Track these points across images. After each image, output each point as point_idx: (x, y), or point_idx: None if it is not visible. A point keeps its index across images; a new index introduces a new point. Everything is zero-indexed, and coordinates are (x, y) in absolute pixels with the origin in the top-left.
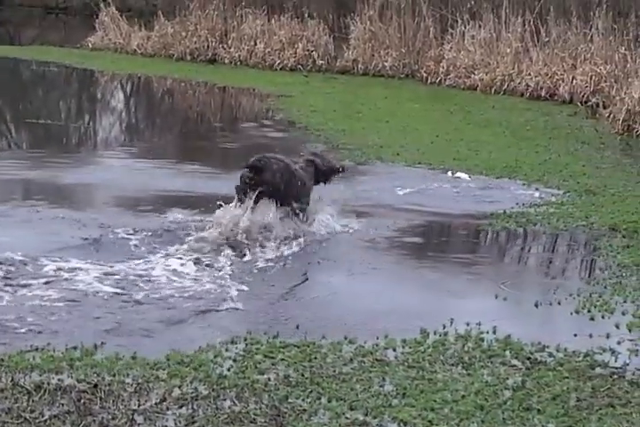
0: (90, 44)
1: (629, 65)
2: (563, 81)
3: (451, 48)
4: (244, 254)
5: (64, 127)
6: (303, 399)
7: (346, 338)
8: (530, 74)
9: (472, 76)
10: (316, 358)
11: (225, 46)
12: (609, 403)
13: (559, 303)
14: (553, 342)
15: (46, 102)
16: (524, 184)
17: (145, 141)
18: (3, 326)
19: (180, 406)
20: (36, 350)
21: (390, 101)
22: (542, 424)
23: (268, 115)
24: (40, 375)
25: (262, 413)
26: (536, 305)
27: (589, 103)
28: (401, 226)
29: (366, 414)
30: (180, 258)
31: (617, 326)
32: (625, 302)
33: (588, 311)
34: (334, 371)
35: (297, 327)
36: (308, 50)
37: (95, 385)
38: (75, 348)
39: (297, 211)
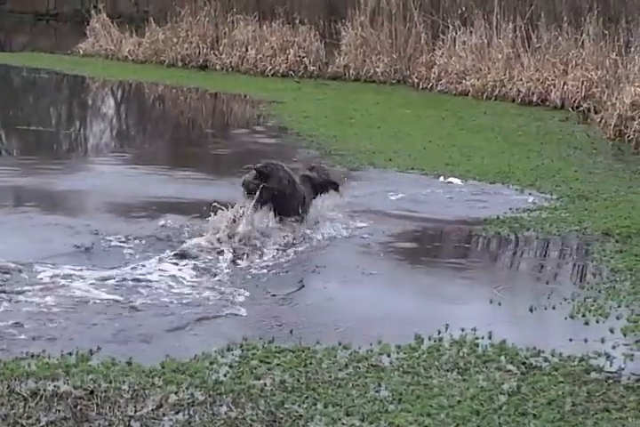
0: (81, 51)
1: (620, 70)
2: (554, 86)
3: (442, 54)
4: (241, 260)
5: (55, 134)
6: (299, 405)
7: (340, 344)
8: (521, 79)
9: (463, 81)
10: (311, 363)
11: (216, 52)
12: (604, 408)
13: (554, 308)
14: (548, 347)
15: (37, 109)
16: (516, 189)
17: (136, 148)
18: (0, 333)
19: (177, 412)
20: (32, 356)
21: (382, 107)
22: None
23: (259, 121)
24: (36, 382)
25: (259, 418)
26: (531, 310)
27: (581, 108)
28: (395, 231)
29: (362, 420)
30: (177, 264)
31: (611, 331)
32: (619, 306)
33: (583, 316)
34: (330, 376)
35: (290, 332)
36: (299, 56)
37: (92, 391)
38: (70, 354)
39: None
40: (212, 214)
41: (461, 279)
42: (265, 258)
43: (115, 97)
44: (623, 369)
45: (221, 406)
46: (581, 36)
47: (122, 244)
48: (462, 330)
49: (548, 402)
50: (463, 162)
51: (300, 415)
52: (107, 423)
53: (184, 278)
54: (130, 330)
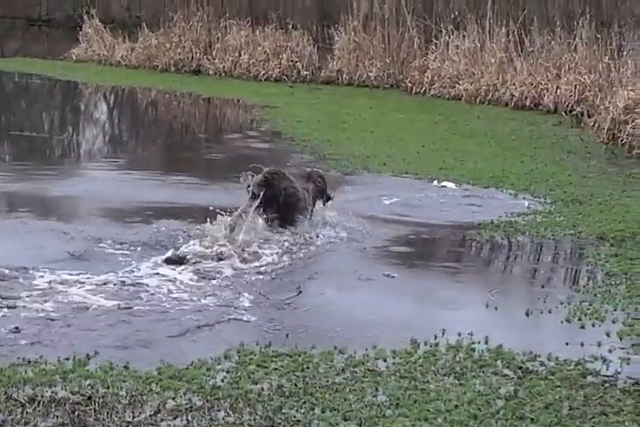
0: (73, 56)
1: (613, 74)
2: (547, 90)
3: (435, 58)
4: (240, 266)
5: (48, 139)
6: (297, 410)
7: (336, 348)
8: (514, 84)
9: (457, 86)
10: (308, 367)
11: (209, 57)
12: (601, 411)
13: (550, 312)
14: (544, 351)
15: (30, 114)
16: (510, 194)
17: (129, 153)
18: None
19: (175, 418)
20: (29, 362)
21: (375, 111)
22: None
23: (253, 125)
24: (33, 388)
25: (256, 423)
26: (527, 314)
27: (574, 112)
28: (389, 236)
29: (360, 425)
30: (174, 269)
31: (608, 335)
32: (615, 310)
33: (579, 320)
34: (327, 381)
35: (287, 336)
36: (292, 60)
37: (89, 397)
38: (67, 359)
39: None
40: (210, 220)
41: (457, 284)
42: (263, 263)
43: (108, 102)
44: (620, 373)
45: (219, 411)
46: (574, 40)
47: (117, 249)
48: (459, 335)
49: (545, 406)
50: (457, 166)
51: (298, 420)
52: None
53: (182, 284)
54: (129, 336)
